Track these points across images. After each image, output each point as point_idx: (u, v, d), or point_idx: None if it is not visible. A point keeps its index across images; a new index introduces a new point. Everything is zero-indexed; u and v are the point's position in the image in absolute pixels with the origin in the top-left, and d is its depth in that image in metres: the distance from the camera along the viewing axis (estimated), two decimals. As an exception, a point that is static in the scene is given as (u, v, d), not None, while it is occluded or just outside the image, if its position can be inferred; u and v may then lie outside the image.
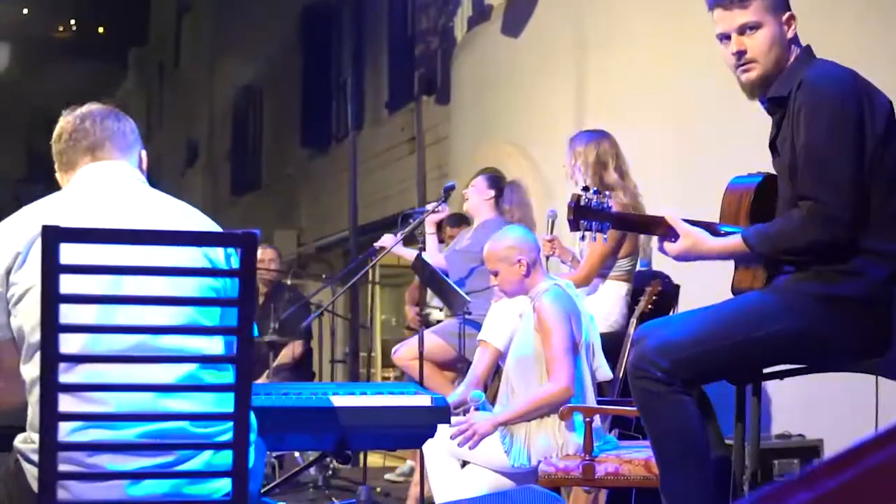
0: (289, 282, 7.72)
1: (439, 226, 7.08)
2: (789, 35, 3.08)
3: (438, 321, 6.75)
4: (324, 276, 7.76)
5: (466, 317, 5.84)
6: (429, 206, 6.43)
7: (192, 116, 24.71)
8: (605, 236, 3.14)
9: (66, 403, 2.18)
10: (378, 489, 6.70)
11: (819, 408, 5.52)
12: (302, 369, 7.54)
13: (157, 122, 29.27)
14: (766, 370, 3.17)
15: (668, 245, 3.10)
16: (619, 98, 7.42)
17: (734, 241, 2.99)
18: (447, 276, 6.01)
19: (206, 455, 2.34)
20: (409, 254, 6.32)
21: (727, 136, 6.14)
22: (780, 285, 2.98)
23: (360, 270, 6.54)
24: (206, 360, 2.31)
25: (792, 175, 2.98)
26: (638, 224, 3.70)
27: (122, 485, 2.27)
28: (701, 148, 6.63)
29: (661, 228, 3.11)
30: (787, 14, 3.09)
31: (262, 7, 19.04)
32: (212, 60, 22.83)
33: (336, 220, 14.39)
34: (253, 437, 2.54)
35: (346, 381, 11.12)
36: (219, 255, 2.48)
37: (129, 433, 2.28)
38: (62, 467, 2.14)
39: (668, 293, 5.39)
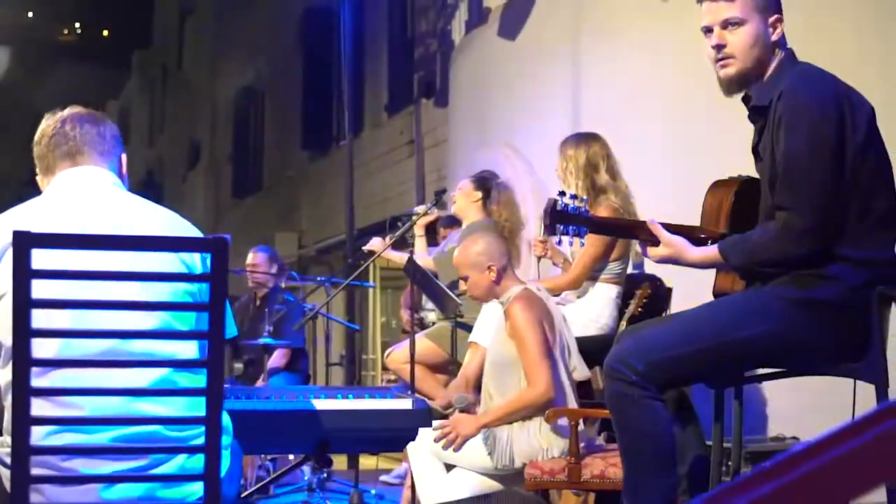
0: (283, 285, 7.74)
1: (433, 227, 7.09)
2: (774, 37, 3.06)
3: (434, 323, 6.76)
4: (318, 278, 7.75)
5: (458, 319, 5.85)
6: (418, 209, 6.45)
7: (194, 118, 24.76)
8: (583, 240, 3.15)
9: (39, 408, 2.20)
10: (373, 491, 6.71)
11: (814, 411, 5.52)
12: (296, 372, 7.56)
13: (160, 125, 29.33)
14: (746, 374, 3.19)
15: (651, 249, 3.12)
16: (615, 100, 7.43)
17: (712, 252, 3.00)
18: (437, 278, 6.03)
19: (181, 458, 2.36)
20: (400, 257, 6.33)
21: (722, 139, 6.14)
22: (758, 289, 2.99)
23: (351, 274, 6.55)
24: (177, 365, 2.32)
25: (772, 184, 2.99)
26: (619, 228, 3.73)
27: (96, 488, 2.29)
28: (696, 150, 6.64)
29: (644, 233, 3.13)
30: (775, 16, 3.08)
31: (263, 9, 19.09)
32: (214, 63, 22.87)
33: (337, 223, 14.41)
34: (228, 440, 2.56)
35: (342, 384, 11.13)
36: (195, 261, 2.49)
37: (103, 437, 2.29)
38: (36, 471, 2.16)
39: (660, 296, 5.39)
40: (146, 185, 29.35)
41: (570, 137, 5.51)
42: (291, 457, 6.64)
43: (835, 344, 2.89)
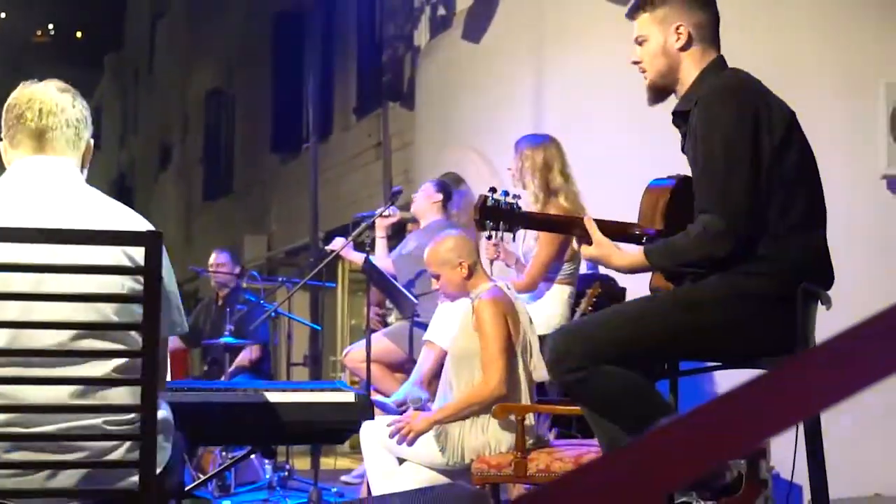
0: (245, 285, 7.81)
1: (402, 227, 7.17)
2: (678, 44, 3.19)
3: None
4: (279, 278, 7.81)
5: (415, 319, 5.93)
6: (378, 210, 6.52)
7: (165, 121, 24.73)
8: (514, 235, 3.24)
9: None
10: (334, 489, 6.78)
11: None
12: (259, 372, 7.62)
13: (132, 127, 29.27)
14: (682, 368, 3.27)
15: (584, 248, 3.22)
16: (578, 102, 7.51)
17: (638, 256, 3.10)
18: (395, 279, 6.10)
19: (122, 449, 2.41)
20: (358, 257, 6.40)
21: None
22: (690, 284, 3.08)
23: (312, 273, 6.62)
24: (109, 355, 2.37)
25: (696, 186, 3.10)
26: (554, 224, 3.82)
27: (40, 476, 2.34)
28: (659, 152, 6.69)
29: (580, 229, 3.21)
30: (676, 24, 3.20)
31: (234, 13, 19.11)
32: (185, 65, 22.85)
33: (305, 225, 14.43)
34: (169, 433, 2.61)
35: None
36: (140, 256, 2.51)
37: (48, 427, 2.35)
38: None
39: (613, 294, 5.48)
40: (118, 186, 29.28)
41: (527, 137, 5.61)
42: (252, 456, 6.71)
43: (761, 336, 2.98)
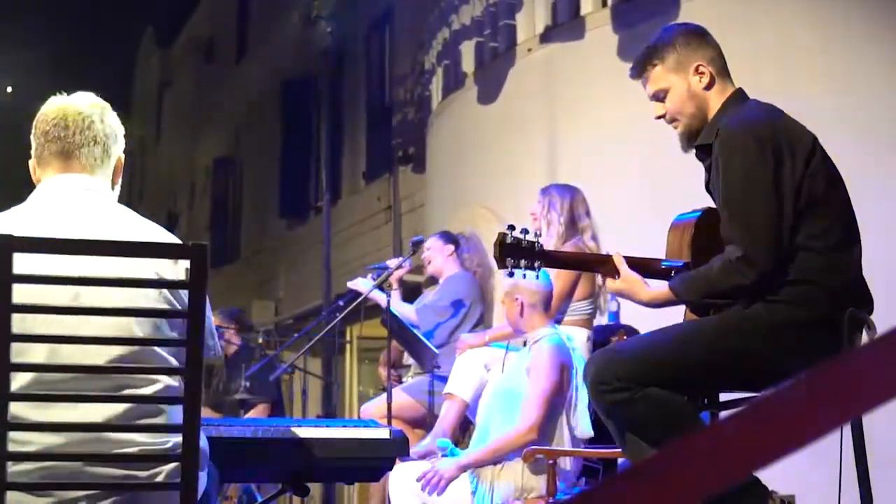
0: (260, 340, 7.76)
1: (416, 289, 7.14)
2: (703, 83, 3.19)
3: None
4: (295, 334, 7.77)
5: (435, 371, 5.85)
6: (392, 262, 6.49)
7: (172, 189, 24.80)
8: (537, 273, 3.19)
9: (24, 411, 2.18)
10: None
11: (792, 463, 5.52)
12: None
13: (139, 195, 29.34)
14: (723, 399, 3.21)
15: (609, 282, 3.19)
16: (591, 158, 7.51)
17: (664, 291, 3.07)
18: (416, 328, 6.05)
19: (163, 471, 2.32)
20: (381, 297, 6.34)
21: (697, 190, 6.20)
22: (728, 314, 3.02)
23: (330, 322, 6.55)
24: (150, 372, 2.30)
25: (721, 216, 3.08)
26: (578, 262, 3.80)
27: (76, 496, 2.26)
28: (672, 203, 6.69)
29: (605, 267, 3.19)
30: (695, 65, 3.20)
31: (242, 79, 19.23)
32: (192, 132, 22.96)
33: (313, 290, 14.37)
34: (204, 465, 2.52)
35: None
36: (180, 272, 2.42)
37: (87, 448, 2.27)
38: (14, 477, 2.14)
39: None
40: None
41: (556, 185, 5.70)
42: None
43: (804, 365, 2.90)
